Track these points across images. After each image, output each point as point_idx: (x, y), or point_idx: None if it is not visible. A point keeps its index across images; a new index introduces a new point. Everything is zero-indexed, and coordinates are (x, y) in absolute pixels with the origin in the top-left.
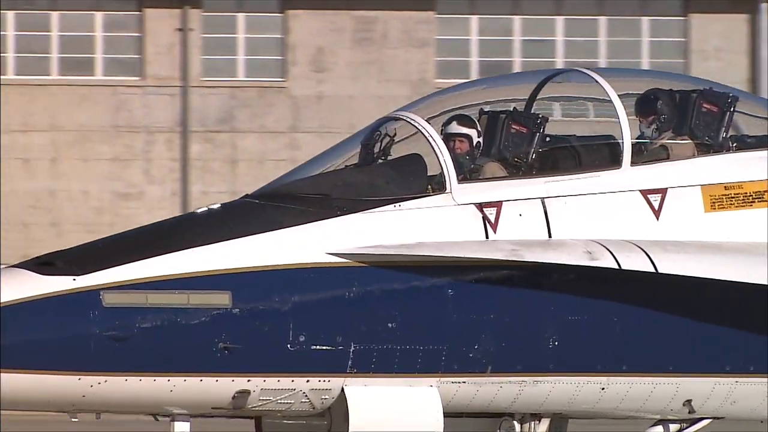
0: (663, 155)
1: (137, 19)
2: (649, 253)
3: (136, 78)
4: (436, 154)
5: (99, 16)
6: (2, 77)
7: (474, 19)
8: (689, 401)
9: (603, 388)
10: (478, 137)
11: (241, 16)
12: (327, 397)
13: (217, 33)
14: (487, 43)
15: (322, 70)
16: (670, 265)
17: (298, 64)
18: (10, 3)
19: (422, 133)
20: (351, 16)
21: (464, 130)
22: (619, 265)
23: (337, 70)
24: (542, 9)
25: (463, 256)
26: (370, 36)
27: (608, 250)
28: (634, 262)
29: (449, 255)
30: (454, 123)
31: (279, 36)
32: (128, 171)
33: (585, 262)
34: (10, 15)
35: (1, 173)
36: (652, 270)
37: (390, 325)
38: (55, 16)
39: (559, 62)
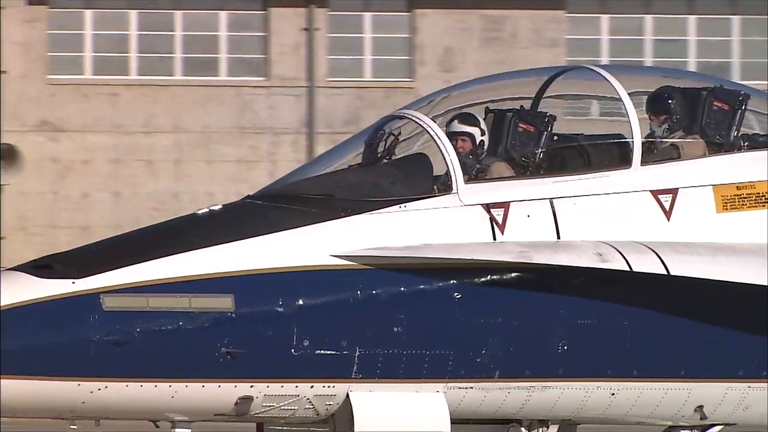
0: (674, 155)
1: (262, 19)
2: (660, 255)
3: (261, 78)
4: (442, 154)
5: (223, 16)
6: (125, 77)
7: (605, 19)
8: (701, 407)
9: (613, 394)
10: (482, 135)
11: (367, 16)
12: (331, 403)
13: (344, 33)
14: (618, 43)
15: (450, 70)
16: (682, 266)
17: (426, 64)
18: (134, 2)
19: (428, 132)
20: (479, 15)
21: (466, 128)
22: (630, 267)
23: (466, 70)
24: (674, 8)
25: (470, 258)
26: (498, 35)
27: (619, 251)
28: (645, 263)
29: (456, 257)
30: (456, 121)
31: (406, 36)
32: (253, 173)
33: (595, 264)
34: (133, 14)
35: (125, 175)
36: (664, 272)
37: (395, 329)
38: (178, 15)
39: (692, 62)
